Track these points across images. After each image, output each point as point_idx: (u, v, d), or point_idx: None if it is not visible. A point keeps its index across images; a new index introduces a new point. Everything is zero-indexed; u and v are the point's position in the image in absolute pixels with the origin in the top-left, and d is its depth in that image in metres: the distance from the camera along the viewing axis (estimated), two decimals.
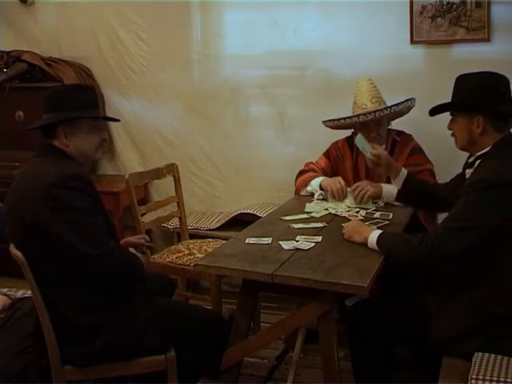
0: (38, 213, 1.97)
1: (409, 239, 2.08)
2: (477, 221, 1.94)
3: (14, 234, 2.08)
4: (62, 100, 2.12)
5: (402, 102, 2.84)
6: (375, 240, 2.17)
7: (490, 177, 1.96)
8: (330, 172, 3.02)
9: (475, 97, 2.09)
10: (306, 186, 2.96)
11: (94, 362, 2.05)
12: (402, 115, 3.01)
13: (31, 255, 2.00)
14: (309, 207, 2.79)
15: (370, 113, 2.81)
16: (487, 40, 3.09)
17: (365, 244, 2.22)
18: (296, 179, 3.05)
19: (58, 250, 1.98)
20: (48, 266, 2.01)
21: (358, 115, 2.84)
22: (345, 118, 2.89)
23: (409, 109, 2.96)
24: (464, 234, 1.95)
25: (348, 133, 3.09)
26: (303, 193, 2.99)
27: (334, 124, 2.97)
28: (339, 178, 2.84)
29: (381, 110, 2.80)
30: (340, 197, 2.78)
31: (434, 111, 2.25)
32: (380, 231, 2.22)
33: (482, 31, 3.09)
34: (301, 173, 3.04)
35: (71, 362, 2.06)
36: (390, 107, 2.81)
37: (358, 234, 2.26)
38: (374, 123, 2.86)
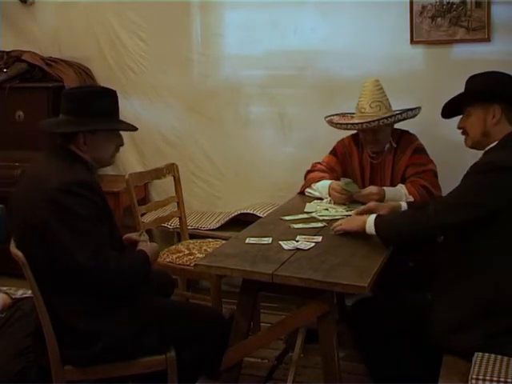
0: (40, 216, 1.96)
1: (405, 210, 2.26)
2: (476, 199, 1.98)
3: (16, 233, 2.08)
4: (85, 105, 2.12)
5: (395, 115, 2.79)
6: (373, 220, 2.22)
7: (492, 160, 2.01)
8: (339, 169, 2.99)
9: (494, 86, 2.12)
10: (310, 186, 2.95)
11: (94, 363, 2.05)
12: (405, 119, 2.94)
13: (32, 256, 1.99)
14: (309, 207, 2.79)
15: (357, 123, 2.79)
16: (487, 40, 3.09)
17: (363, 231, 2.26)
18: (304, 179, 3.04)
19: (56, 254, 1.97)
20: (48, 268, 2.01)
21: (347, 123, 2.86)
22: (336, 124, 2.91)
23: (413, 115, 2.90)
24: (463, 210, 1.99)
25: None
26: (307, 193, 2.97)
27: (333, 124, 2.97)
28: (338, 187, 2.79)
29: (368, 122, 2.75)
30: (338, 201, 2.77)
31: (449, 107, 2.25)
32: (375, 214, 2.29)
33: (482, 31, 3.09)
34: (308, 173, 3.02)
35: (71, 363, 2.06)
36: (379, 120, 2.75)
37: (356, 221, 2.31)
38: (371, 130, 2.82)
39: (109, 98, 2.20)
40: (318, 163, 3.03)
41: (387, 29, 3.28)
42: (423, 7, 3.19)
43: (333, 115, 2.99)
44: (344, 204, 2.78)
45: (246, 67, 3.66)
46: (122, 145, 2.26)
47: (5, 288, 3.09)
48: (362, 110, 2.85)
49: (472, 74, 2.23)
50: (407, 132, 2.97)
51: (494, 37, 3.09)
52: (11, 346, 2.47)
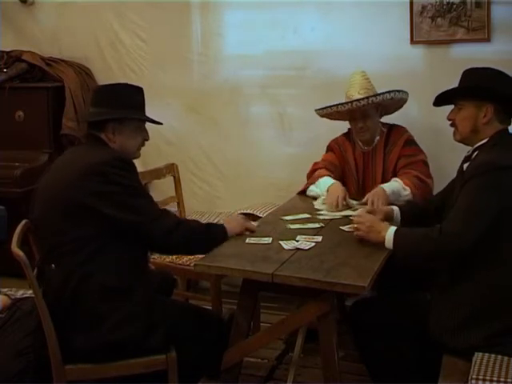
0: (85, 188, 2.01)
1: (426, 233, 2.04)
2: (486, 204, 1.95)
3: (49, 212, 2.09)
4: (114, 97, 2.22)
5: (382, 93, 2.82)
6: (392, 236, 2.13)
7: (490, 161, 1.99)
8: (338, 163, 3.02)
9: (489, 85, 2.09)
10: (315, 183, 2.95)
11: (97, 349, 2.04)
12: (395, 109, 3.00)
13: (69, 232, 2.02)
14: (318, 204, 2.78)
15: (347, 103, 2.82)
16: (487, 40, 3.09)
17: (381, 243, 2.17)
18: (307, 179, 3.05)
19: (99, 224, 2.01)
20: (86, 243, 2.03)
21: (337, 104, 2.87)
22: (326, 108, 2.92)
23: (399, 102, 2.94)
24: (479, 220, 1.96)
25: (344, 129, 3.11)
26: (309, 192, 2.97)
27: (324, 112, 2.99)
28: (340, 191, 2.75)
29: (358, 100, 2.80)
30: (334, 209, 2.70)
31: (442, 98, 2.23)
32: (395, 228, 2.16)
33: (481, 31, 3.09)
34: (313, 171, 3.03)
35: (74, 351, 2.05)
36: (368, 98, 2.79)
37: (377, 232, 2.19)
38: (360, 114, 2.87)
39: (137, 93, 2.30)
40: (318, 163, 3.04)
41: (387, 29, 3.28)
42: (423, 7, 3.19)
43: (319, 109, 3.01)
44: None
45: (246, 67, 3.66)
46: (147, 139, 2.34)
47: (5, 289, 3.09)
48: (351, 98, 2.88)
49: None
50: (397, 125, 3.01)
51: (494, 37, 3.09)
52: (11, 346, 2.46)
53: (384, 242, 2.15)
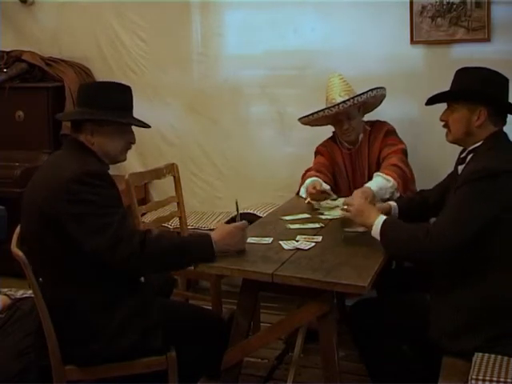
0: (54, 205, 1.96)
1: (414, 232, 2.01)
2: (478, 211, 1.94)
3: (30, 226, 2.07)
4: (96, 97, 2.13)
5: (366, 92, 2.85)
6: (380, 226, 2.11)
7: (484, 167, 1.97)
8: (329, 164, 3.05)
9: (482, 88, 2.07)
10: (304, 184, 2.97)
11: (97, 359, 2.04)
12: (375, 106, 3.04)
13: (47, 247, 2.00)
14: (318, 205, 2.79)
15: (334, 106, 2.85)
16: (487, 40, 3.09)
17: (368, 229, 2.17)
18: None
19: (71, 243, 1.97)
20: (64, 259, 2.01)
21: (323, 109, 2.90)
22: (313, 114, 2.94)
23: (379, 99, 2.98)
24: (468, 225, 1.94)
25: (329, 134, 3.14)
26: (302, 195, 2.99)
27: (308, 119, 3.01)
28: (315, 184, 2.78)
29: (344, 101, 2.82)
30: (313, 199, 2.74)
31: (434, 99, 2.22)
32: (384, 218, 2.14)
33: (481, 31, 3.09)
34: (304, 174, 3.05)
35: (72, 361, 2.05)
36: (353, 98, 2.83)
37: (365, 217, 2.18)
38: (345, 116, 2.90)
39: (122, 93, 2.20)
40: (310, 168, 3.06)
41: (387, 29, 3.28)
42: (423, 7, 3.19)
43: (302, 117, 3.03)
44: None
45: (246, 67, 3.67)
46: (133, 142, 2.23)
47: (5, 289, 3.09)
48: (333, 101, 2.91)
49: None
50: (379, 120, 3.05)
51: (494, 37, 3.09)
52: (11, 346, 2.46)
53: (371, 229, 2.14)
